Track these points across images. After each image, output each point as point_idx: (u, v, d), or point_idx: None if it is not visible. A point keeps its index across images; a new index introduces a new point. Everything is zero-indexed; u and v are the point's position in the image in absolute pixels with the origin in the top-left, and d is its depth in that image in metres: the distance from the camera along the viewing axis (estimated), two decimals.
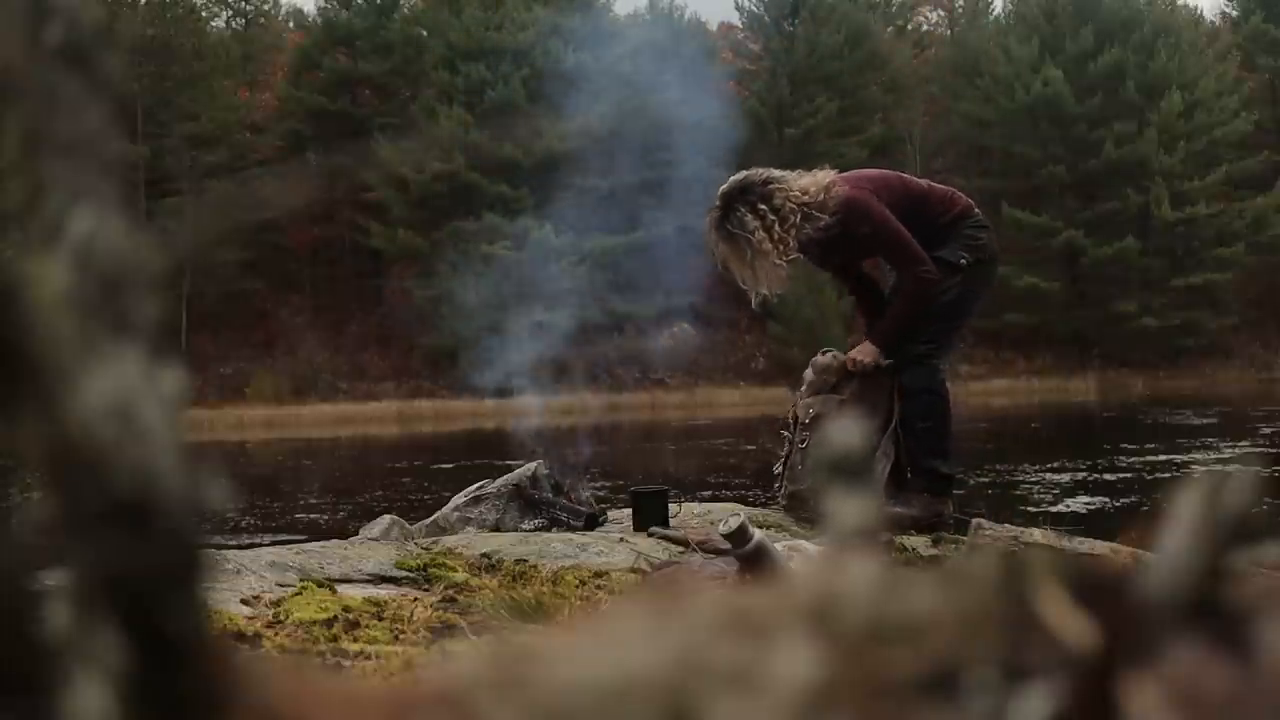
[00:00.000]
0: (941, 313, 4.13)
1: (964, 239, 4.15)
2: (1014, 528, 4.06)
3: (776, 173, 4.19)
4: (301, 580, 2.82)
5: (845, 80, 39.25)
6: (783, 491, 4.39)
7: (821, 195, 4.08)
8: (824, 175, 4.17)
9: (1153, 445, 12.61)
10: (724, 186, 4.17)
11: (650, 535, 3.78)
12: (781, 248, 4.06)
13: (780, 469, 4.42)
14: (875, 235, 4.10)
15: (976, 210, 4.27)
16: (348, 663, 1.98)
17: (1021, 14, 40.84)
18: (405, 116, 38.71)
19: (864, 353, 4.18)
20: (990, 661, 0.42)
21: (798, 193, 4.07)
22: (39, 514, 0.45)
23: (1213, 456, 11.17)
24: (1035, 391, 33.53)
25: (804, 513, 4.18)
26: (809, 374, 4.41)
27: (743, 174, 4.19)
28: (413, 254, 35.99)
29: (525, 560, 3.28)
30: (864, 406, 4.16)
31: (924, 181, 4.39)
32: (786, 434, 4.45)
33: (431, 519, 4.57)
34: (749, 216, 4.07)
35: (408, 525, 4.31)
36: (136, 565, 0.44)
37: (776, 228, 4.05)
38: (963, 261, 4.10)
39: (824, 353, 4.44)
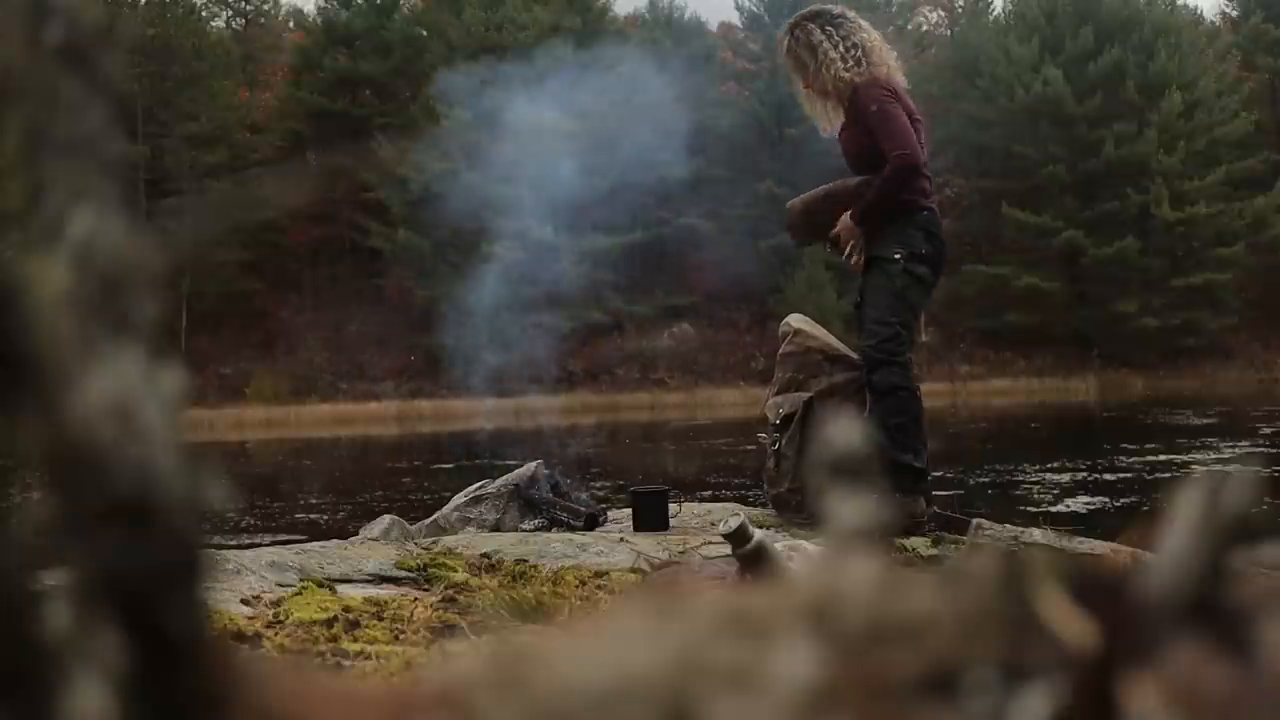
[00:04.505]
0: (890, 306, 4.08)
1: (899, 233, 4.13)
2: (1014, 528, 4.07)
3: (851, 12, 4.31)
4: (301, 580, 2.82)
5: None
6: (767, 494, 4.38)
7: (874, 57, 4.16)
8: (890, 55, 4.26)
9: (1153, 445, 12.61)
10: (801, 11, 4.34)
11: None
12: (845, 64, 4.13)
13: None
14: (877, 114, 4.12)
15: (926, 212, 4.17)
16: (348, 663, 1.98)
17: (1021, 14, 40.82)
18: (405, 116, 38.70)
19: (841, 224, 4.21)
20: (990, 661, 0.42)
21: (865, 36, 4.19)
22: (39, 514, 0.45)
23: (1213, 456, 11.17)
24: (1035, 391, 33.54)
25: (788, 514, 4.16)
26: (784, 345, 4.40)
27: (820, 4, 4.33)
28: (413, 254, 36.00)
29: (525, 560, 3.28)
30: (833, 400, 4.14)
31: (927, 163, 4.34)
32: (763, 437, 4.44)
33: (431, 519, 4.58)
34: (817, 31, 4.21)
35: (408, 525, 4.32)
36: (136, 565, 0.44)
37: (841, 46, 4.16)
38: (896, 256, 4.09)
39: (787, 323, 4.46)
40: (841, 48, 4.15)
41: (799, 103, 4.41)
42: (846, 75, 4.13)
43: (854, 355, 4.23)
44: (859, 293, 4.26)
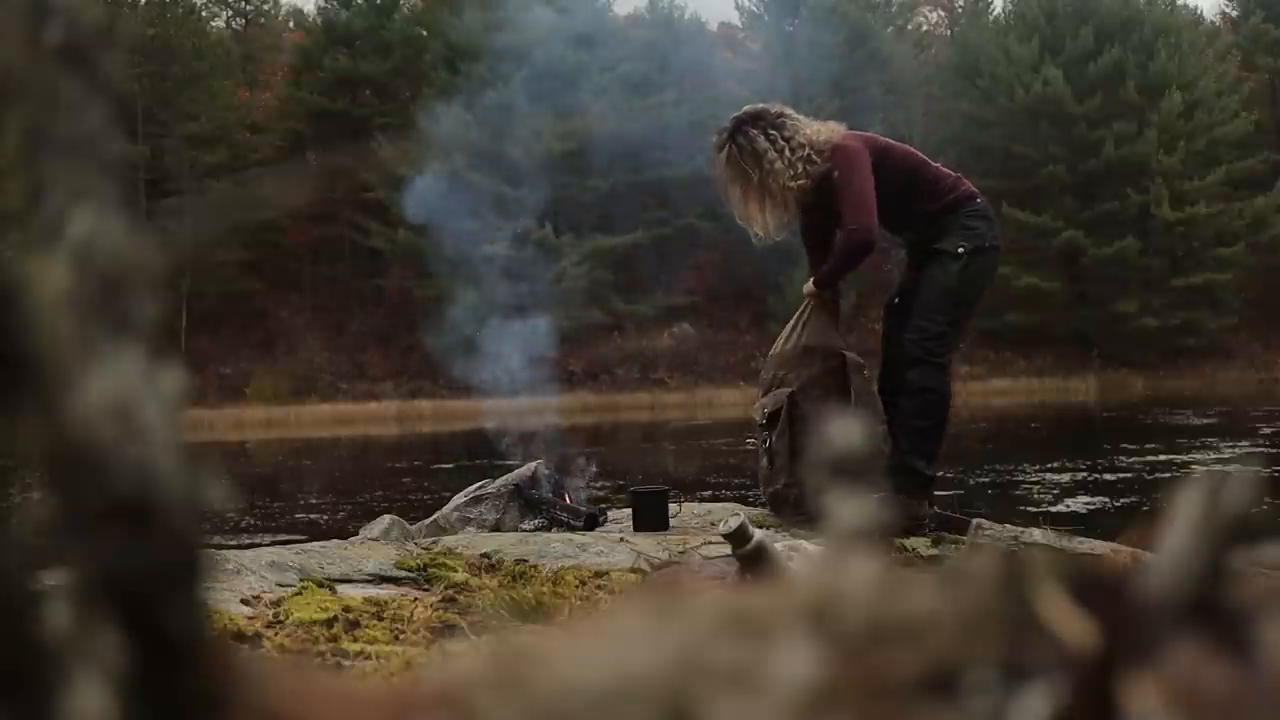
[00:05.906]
0: (941, 303, 4.10)
1: (960, 227, 4.14)
2: (1014, 528, 4.07)
3: (790, 110, 4.24)
4: (301, 580, 2.82)
5: (845, 80, 39.25)
6: (764, 493, 4.38)
7: (819, 144, 4.13)
8: (834, 125, 4.23)
9: (1153, 445, 12.60)
10: (736, 114, 4.23)
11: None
12: (794, 171, 4.07)
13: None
14: (841, 180, 4.07)
15: (979, 200, 4.21)
16: (348, 663, 1.98)
17: (1021, 14, 40.81)
18: (405, 116, 38.68)
19: (806, 290, 4.38)
20: (990, 661, 0.42)
21: (809, 132, 4.13)
22: (39, 514, 0.45)
23: (1213, 456, 11.17)
24: (1035, 391, 33.52)
25: (784, 513, 4.15)
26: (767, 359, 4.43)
27: (757, 105, 4.25)
28: (413, 254, 35.97)
29: (525, 560, 3.28)
30: (815, 393, 4.14)
31: (936, 164, 4.31)
32: (754, 441, 4.45)
33: (431, 519, 4.58)
34: (760, 138, 4.11)
35: (408, 525, 4.32)
36: (136, 565, 0.44)
37: (787, 152, 4.08)
38: (960, 250, 4.09)
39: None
40: (787, 152, 4.07)
41: (735, 215, 4.30)
42: (794, 185, 4.08)
43: (833, 345, 4.23)
44: (903, 287, 4.27)
